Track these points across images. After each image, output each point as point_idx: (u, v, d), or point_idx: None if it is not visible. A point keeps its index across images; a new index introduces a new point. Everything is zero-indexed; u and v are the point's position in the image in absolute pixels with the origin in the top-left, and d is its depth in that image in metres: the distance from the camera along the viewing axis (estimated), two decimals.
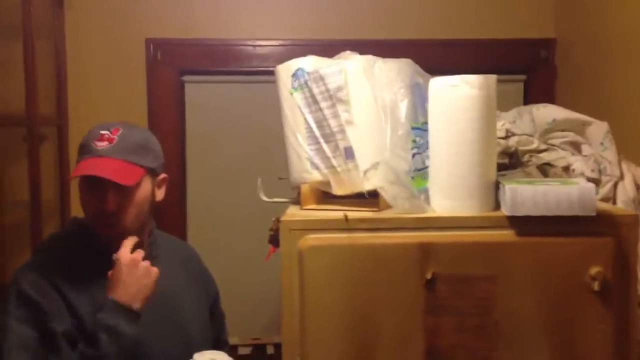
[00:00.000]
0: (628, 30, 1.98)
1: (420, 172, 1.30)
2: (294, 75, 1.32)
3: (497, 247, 1.17)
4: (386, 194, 1.21)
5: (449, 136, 1.21)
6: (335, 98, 1.27)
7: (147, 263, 1.39)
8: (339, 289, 1.17)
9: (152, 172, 1.47)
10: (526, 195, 1.15)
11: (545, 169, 1.46)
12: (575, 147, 1.51)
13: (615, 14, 2.08)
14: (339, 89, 1.27)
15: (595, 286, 1.14)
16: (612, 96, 2.07)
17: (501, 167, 1.43)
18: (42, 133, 2.24)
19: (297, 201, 1.36)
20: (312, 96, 1.30)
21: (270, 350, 2.57)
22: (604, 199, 1.42)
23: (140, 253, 1.40)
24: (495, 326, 1.17)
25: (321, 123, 1.29)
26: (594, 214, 1.14)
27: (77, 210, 1.56)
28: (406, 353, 1.18)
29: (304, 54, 1.34)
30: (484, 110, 1.20)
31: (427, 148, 1.28)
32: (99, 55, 2.48)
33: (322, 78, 1.28)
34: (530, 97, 2.55)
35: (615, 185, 1.44)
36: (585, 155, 1.49)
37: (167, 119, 2.51)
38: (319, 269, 1.17)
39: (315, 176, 1.31)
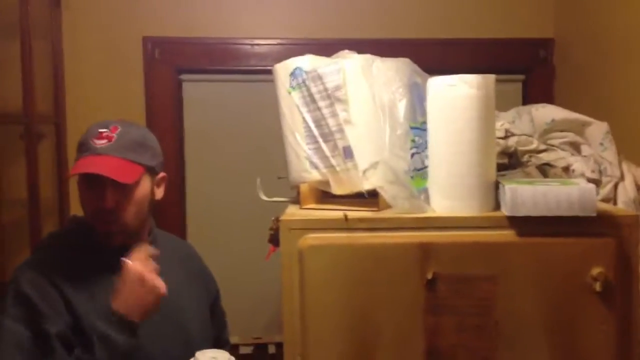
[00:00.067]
0: (627, 30, 1.98)
1: (420, 171, 1.30)
2: (292, 74, 1.32)
3: (497, 248, 1.17)
4: (385, 194, 1.21)
5: (448, 136, 1.21)
6: (333, 97, 1.27)
7: (155, 278, 1.34)
8: (339, 288, 1.17)
9: (151, 171, 1.47)
10: (526, 195, 1.14)
11: (544, 170, 1.46)
12: (575, 147, 1.51)
13: (614, 14, 2.07)
14: (337, 88, 1.27)
15: (597, 287, 1.14)
16: (612, 96, 2.07)
17: (501, 168, 1.43)
18: (39, 131, 2.24)
19: (296, 200, 1.35)
20: (310, 95, 1.29)
21: (271, 349, 2.57)
22: (605, 200, 1.42)
23: (150, 265, 1.35)
24: (495, 326, 1.17)
25: (320, 122, 1.29)
26: (594, 214, 1.14)
27: (75, 208, 1.56)
28: (406, 353, 1.18)
29: (302, 53, 1.34)
30: (482, 110, 1.19)
31: (426, 148, 1.28)
32: (96, 53, 2.48)
33: (320, 77, 1.28)
34: (529, 97, 2.55)
35: (615, 186, 1.44)
36: (584, 156, 1.48)
37: (165, 117, 2.51)
38: (319, 268, 1.17)
39: (314, 175, 1.30)
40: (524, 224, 1.17)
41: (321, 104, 1.28)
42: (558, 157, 1.47)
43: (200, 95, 2.56)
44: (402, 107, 1.29)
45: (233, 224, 2.54)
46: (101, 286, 1.39)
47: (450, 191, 1.22)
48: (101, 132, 1.41)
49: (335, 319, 1.18)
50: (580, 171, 1.44)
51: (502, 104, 1.43)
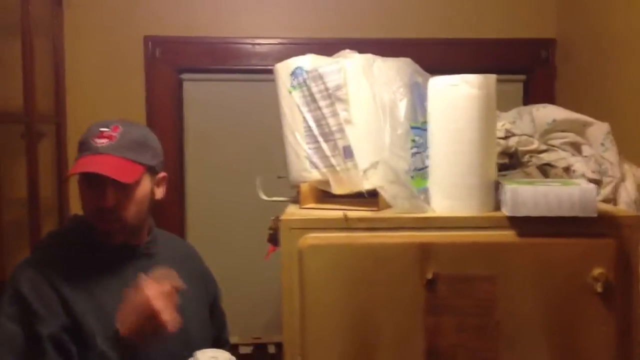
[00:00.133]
0: (629, 31, 1.97)
1: (420, 171, 1.30)
2: (293, 73, 1.31)
3: (497, 248, 1.17)
4: (386, 194, 1.21)
5: (449, 135, 1.21)
6: (334, 97, 1.27)
7: (169, 313, 1.28)
8: (339, 288, 1.17)
9: (152, 170, 1.47)
10: (527, 195, 1.14)
11: (545, 170, 1.45)
12: (576, 147, 1.51)
13: (616, 14, 2.07)
14: (338, 87, 1.27)
15: (598, 287, 1.14)
16: (613, 97, 2.07)
17: (501, 168, 1.42)
18: (40, 130, 2.24)
19: (296, 200, 1.35)
20: (311, 95, 1.29)
21: (271, 349, 2.57)
22: (605, 200, 1.42)
23: (170, 298, 1.30)
24: (496, 327, 1.16)
25: (320, 122, 1.29)
26: (595, 215, 1.14)
27: (75, 207, 1.56)
28: (406, 353, 1.17)
29: (303, 53, 1.33)
30: (483, 110, 1.19)
31: (426, 147, 1.28)
32: (97, 52, 2.47)
33: (321, 77, 1.28)
34: (530, 97, 2.54)
35: (616, 187, 1.43)
36: (585, 156, 1.48)
37: (166, 117, 2.51)
38: (318, 268, 1.17)
39: (315, 175, 1.30)
40: (525, 225, 1.16)
41: (322, 103, 1.28)
42: (559, 157, 1.47)
43: (201, 94, 2.56)
44: (402, 106, 1.29)
45: (233, 223, 2.54)
46: (100, 286, 1.39)
47: (450, 191, 1.22)
48: (102, 132, 1.41)
49: (335, 319, 1.17)
50: (581, 172, 1.43)
51: (503, 104, 1.43)
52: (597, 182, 1.41)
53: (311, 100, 1.29)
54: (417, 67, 1.41)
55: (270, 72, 1.38)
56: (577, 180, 1.29)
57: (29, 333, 1.31)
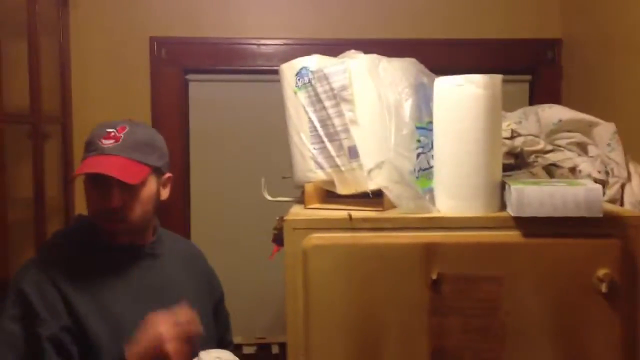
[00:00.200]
0: (634, 30, 1.96)
1: (425, 171, 1.30)
2: (298, 74, 1.31)
3: (502, 248, 1.17)
4: (390, 194, 1.21)
5: (454, 136, 1.20)
6: (339, 97, 1.27)
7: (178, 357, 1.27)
8: (343, 288, 1.17)
9: (158, 171, 1.47)
10: (532, 195, 1.14)
11: (551, 170, 1.45)
12: (582, 148, 1.50)
13: (622, 14, 2.06)
14: (343, 88, 1.26)
15: (603, 288, 1.13)
16: (619, 97, 2.06)
17: (507, 168, 1.42)
18: (46, 131, 2.24)
19: (300, 200, 1.35)
20: (316, 95, 1.29)
21: (275, 349, 2.56)
22: (611, 201, 1.41)
23: (185, 347, 1.28)
24: (501, 327, 1.16)
25: (325, 122, 1.29)
26: (600, 215, 1.13)
27: (81, 207, 1.56)
28: (411, 353, 1.17)
29: (308, 53, 1.34)
30: (489, 110, 1.19)
31: (431, 148, 1.28)
32: (103, 53, 2.48)
33: (326, 77, 1.28)
34: (536, 97, 2.54)
35: (622, 187, 1.42)
36: (591, 156, 1.48)
37: (171, 117, 2.51)
38: (323, 268, 1.17)
39: (319, 175, 1.30)
40: (530, 225, 1.16)
41: (327, 103, 1.28)
42: (565, 157, 1.46)
43: (206, 95, 2.56)
44: (408, 107, 1.29)
45: (237, 223, 2.54)
46: (105, 286, 1.39)
47: (455, 191, 1.21)
48: (109, 132, 1.41)
49: (339, 319, 1.17)
50: (587, 172, 1.43)
51: (508, 104, 1.42)
52: (603, 183, 1.41)
53: (316, 100, 1.29)
54: (422, 67, 1.41)
55: (276, 72, 1.38)
56: (582, 181, 1.29)
57: (30, 334, 1.31)
